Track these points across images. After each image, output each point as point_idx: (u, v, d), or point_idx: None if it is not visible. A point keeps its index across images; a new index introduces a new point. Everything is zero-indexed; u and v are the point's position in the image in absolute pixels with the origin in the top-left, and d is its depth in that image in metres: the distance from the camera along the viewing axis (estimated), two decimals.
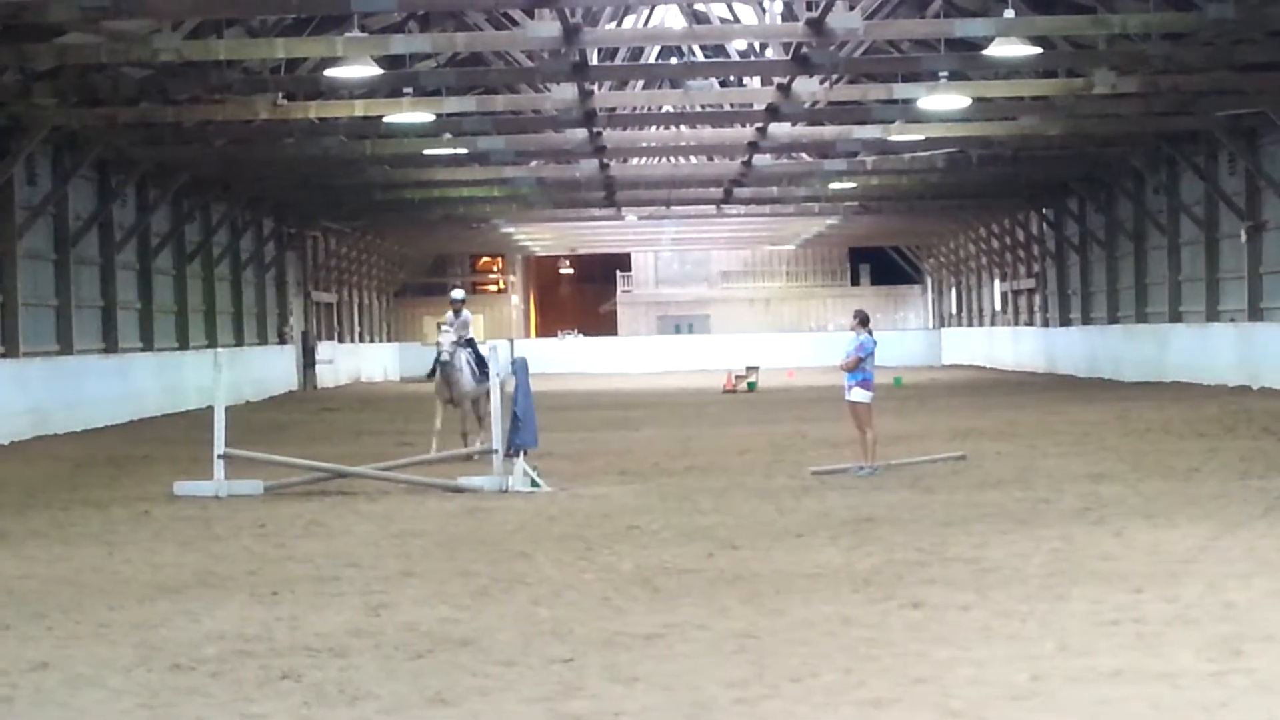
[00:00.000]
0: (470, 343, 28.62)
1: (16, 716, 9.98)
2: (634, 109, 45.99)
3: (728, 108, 47.11)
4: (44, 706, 10.19)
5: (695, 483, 23.22)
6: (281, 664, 11.16)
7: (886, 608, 12.89)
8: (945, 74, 39.91)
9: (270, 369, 61.41)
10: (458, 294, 29.63)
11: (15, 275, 38.16)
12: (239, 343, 58.28)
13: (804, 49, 33.87)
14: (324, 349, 70.60)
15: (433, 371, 28.15)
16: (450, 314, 28.46)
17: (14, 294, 38.09)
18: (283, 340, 66.42)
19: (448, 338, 27.55)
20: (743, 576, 14.56)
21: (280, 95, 39.27)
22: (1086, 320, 64.15)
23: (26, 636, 12.42)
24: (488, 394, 25.63)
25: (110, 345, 45.17)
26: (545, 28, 30.88)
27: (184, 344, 51.88)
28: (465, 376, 27.70)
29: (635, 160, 56.26)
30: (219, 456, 22.64)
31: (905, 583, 14.01)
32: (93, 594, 14.36)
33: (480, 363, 27.76)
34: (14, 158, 37.29)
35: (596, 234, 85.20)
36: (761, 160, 52.20)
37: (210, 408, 23.58)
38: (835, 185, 60.00)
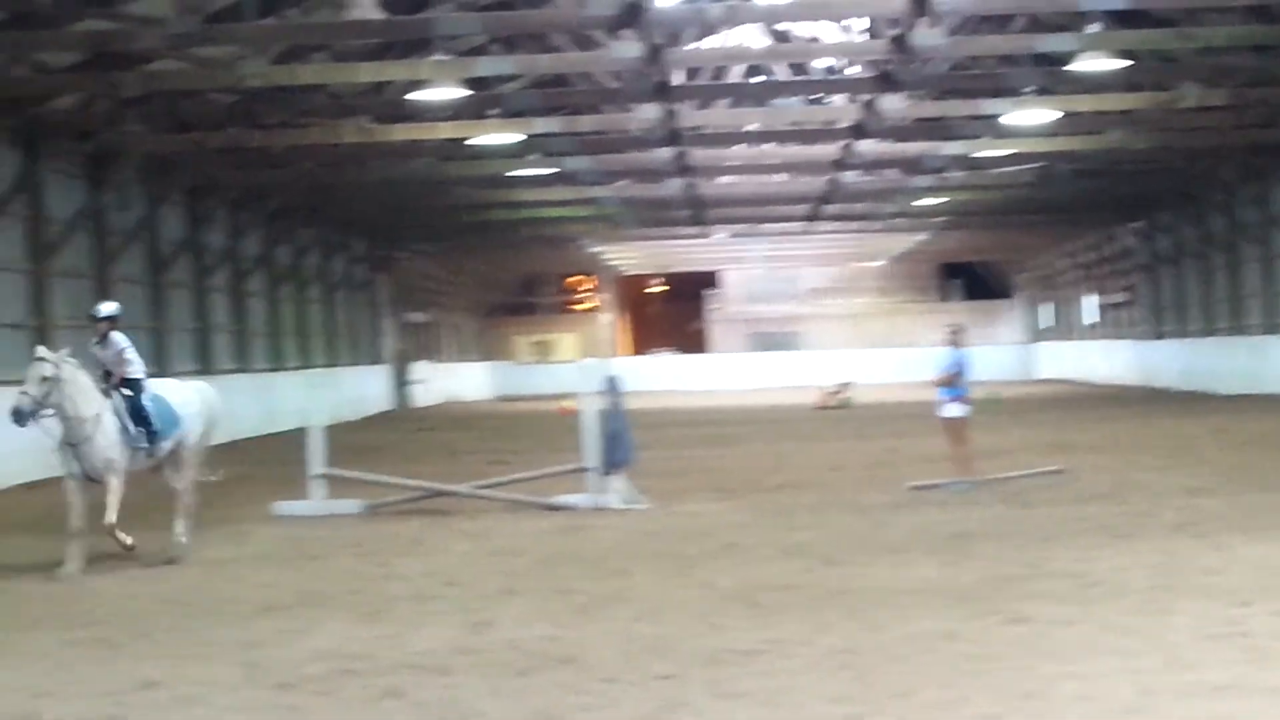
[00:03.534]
0: (127, 384, 18.83)
1: None
2: (719, 128, 45.93)
3: (813, 125, 47.01)
4: None
5: (791, 499, 23.18)
6: (385, 682, 11.21)
7: (989, 623, 12.83)
8: (1031, 89, 39.68)
9: (364, 389, 61.69)
10: (102, 309, 19.66)
11: (111, 300, 38.42)
12: (332, 364, 58.54)
13: (888, 66, 33.78)
14: (417, 369, 70.85)
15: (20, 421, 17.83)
16: (95, 339, 19.30)
17: None
18: (376, 360, 66.63)
19: (34, 384, 17.83)
20: (843, 592, 14.53)
21: (367, 119, 39.47)
22: (1181, 333, 63.61)
23: (134, 655, 12.53)
24: (180, 458, 19.52)
25: (205, 368, 45.47)
26: (628, 48, 30.90)
27: (278, 365, 52.18)
28: (104, 438, 18.13)
29: (722, 178, 56.17)
30: (317, 476, 22.78)
31: (1007, 597, 13.94)
32: (198, 613, 14.49)
33: (137, 414, 18.63)
34: (107, 184, 37.62)
35: (685, 252, 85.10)
36: (849, 177, 52.04)
37: (305, 428, 23.73)
38: (922, 201, 59.75)
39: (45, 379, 17.79)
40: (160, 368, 40.86)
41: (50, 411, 17.89)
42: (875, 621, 13.01)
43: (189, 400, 19.78)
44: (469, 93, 34.63)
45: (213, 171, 43.59)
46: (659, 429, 40.67)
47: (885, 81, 34.91)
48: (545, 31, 37.86)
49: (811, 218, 64.05)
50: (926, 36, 30.25)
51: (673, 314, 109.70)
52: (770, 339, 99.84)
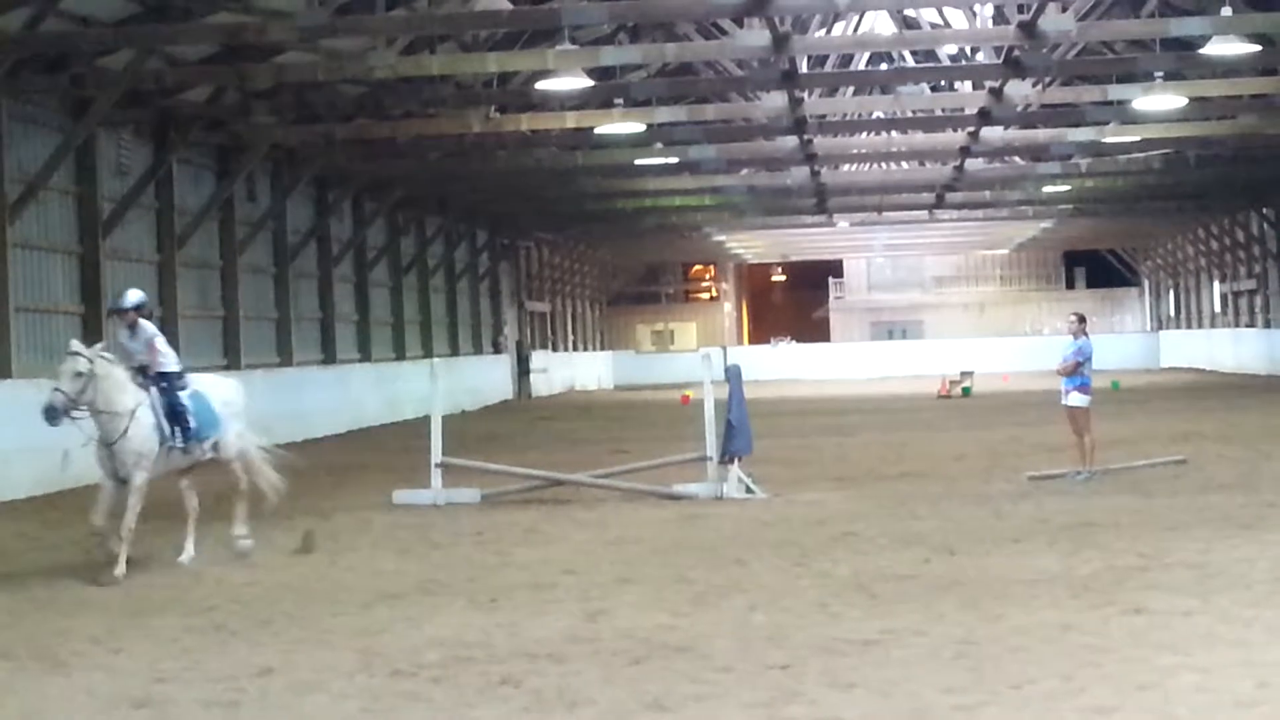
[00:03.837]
0: (163, 378, 17.63)
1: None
2: (844, 116, 45.76)
3: (939, 112, 46.77)
4: (270, 711, 10.38)
5: (911, 488, 23.09)
6: (501, 670, 11.26)
7: (1107, 613, 12.73)
8: (1161, 74, 39.27)
9: (485, 379, 61.94)
10: (128, 298, 17.96)
11: (237, 289, 38.92)
12: (454, 353, 58.83)
13: (1016, 52, 33.51)
14: (538, 358, 71.09)
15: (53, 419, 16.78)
16: (124, 330, 17.93)
17: (236, 307, 38.85)
18: (498, 349, 66.98)
19: (68, 380, 16.70)
20: (960, 582, 14.46)
21: (493, 109, 39.64)
22: None
23: (253, 642, 12.66)
24: (227, 458, 18.59)
25: (329, 357, 45.85)
26: (754, 36, 30.81)
27: (401, 355, 52.54)
28: (139, 435, 17.05)
29: (846, 167, 56.00)
30: (436, 465, 22.91)
31: (1126, 588, 13.83)
32: (316, 601, 14.60)
33: (174, 412, 17.52)
34: (235, 175, 38.01)
35: (808, 240, 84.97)
36: (974, 164, 51.72)
37: (427, 417, 23.87)
38: (1049, 189, 59.31)
39: (79, 375, 16.63)
40: (284, 358, 41.34)
41: (84, 409, 16.77)
42: (992, 612, 12.94)
43: (232, 399, 18.58)
44: (594, 82, 34.71)
45: (339, 162, 43.92)
46: (778, 418, 40.62)
47: (1013, 67, 34.63)
48: (671, 20, 37.81)
49: (936, 206, 63.79)
50: (1055, 21, 29.99)
51: (794, 303, 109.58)
52: (892, 328, 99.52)
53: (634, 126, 40.92)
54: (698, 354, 25.68)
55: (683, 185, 55.20)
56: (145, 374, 17.44)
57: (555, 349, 78.00)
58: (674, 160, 48.44)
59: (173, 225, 35.41)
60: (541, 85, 34.97)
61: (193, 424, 17.61)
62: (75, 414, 16.74)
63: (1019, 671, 10.76)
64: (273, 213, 41.62)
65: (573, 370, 79.59)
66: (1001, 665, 10.98)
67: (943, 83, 43.81)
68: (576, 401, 65.36)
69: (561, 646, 12.04)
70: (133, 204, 33.14)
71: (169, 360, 17.75)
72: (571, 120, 40.04)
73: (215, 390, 18.37)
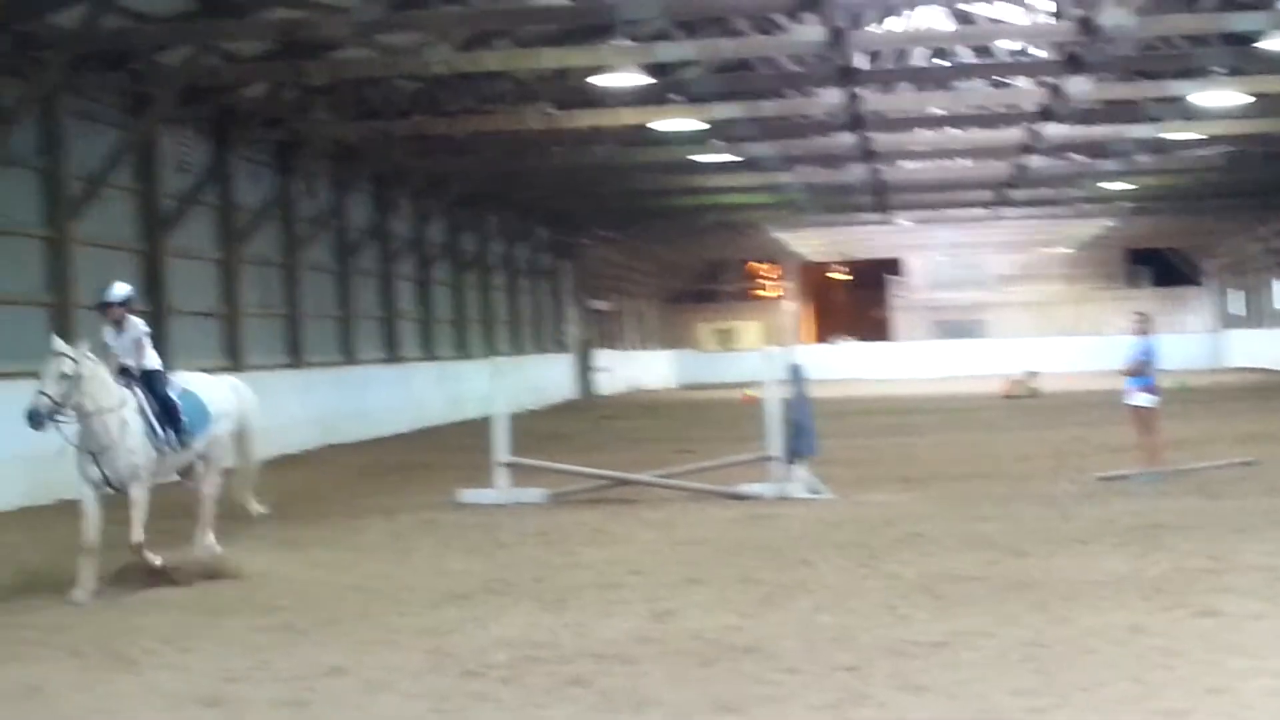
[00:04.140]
0: (147, 377, 16.64)
1: (314, 719, 10.22)
2: (902, 112, 45.63)
3: (998, 109, 46.59)
4: (339, 710, 10.40)
5: (976, 489, 23.02)
6: (569, 670, 11.26)
7: (1177, 616, 12.65)
8: (1222, 70, 39.00)
9: (549, 377, 62.05)
10: (116, 292, 16.89)
11: (299, 287, 39.05)
12: (517, 351, 58.91)
13: (1075, 48, 33.36)
14: (601, 357, 71.12)
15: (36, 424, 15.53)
16: (109, 326, 16.87)
17: (298, 306, 38.98)
18: (560, 348, 67.02)
19: (52, 381, 15.53)
20: (1028, 584, 14.39)
21: (550, 105, 39.66)
22: None
23: (321, 642, 12.69)
24: (208, 460, 17.37)
25: (392, 355, 45.96)
26: (811, 32, 30.75)
27: (463, 353, 52.63)
28: (129, 441, 16.00)
29: (905, 163, 55.86)
30: (502, 465, 22.93)
31: (1196, 590, 13.74)
32: (383, 600, 14.63)
33: (165, 411, 16.51)
34: (295, 172, 38.14)
35: (868, 238, 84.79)
36: (1034, 161, 51.52)
37: (490, 416, 23.89)
38: (1110, 186, 59.01)
39: (64, 376, 15.44)
40: (348, 356, 41.44)
41: (69, 413, 15.57)
42: (1061, 614, 12.88)
43: (221, 397, 17.53)
44: (651, 79, 34.70)
45: (398, 159, 44.03)
46: (842, 418, 40.55)
47: (1072, 63, 34.50)
48: (727, 16, 37.80)
49: (996, 203, 63.56)
50: (1114, 16, 29.83)
51: (855, 301, 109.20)
52: (954, 326, 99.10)
53: (691, 123, 40.89)
54: (760, 353, 25.63)
55: (741, 182, 55.10)
56: (128, 374, 16.33)
57: (617, 348, 78.02)
58: (732, 157, 48.39)
59: (234, 223, 35.55)
60: (598, 81, 34.99)
61: (184, 421, 16.57)
62: (60, 418, 15.53)
63: (1089, 674, 10.70)
64: (333, 210, 41.73)
65: (635, 369, 79.61)
66: (1071, 668, 10.92)
67: (1001, 79, 43.64)
68: (640, 400, 65.38)
69: (629, 647, 12.04)
70: (194, 201, 33.29)
71: (154, 358, 16.75)
72: (629, 117, 40.03)
73: (206, 389, 17.34)
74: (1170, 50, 39.71)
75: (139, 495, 15.84)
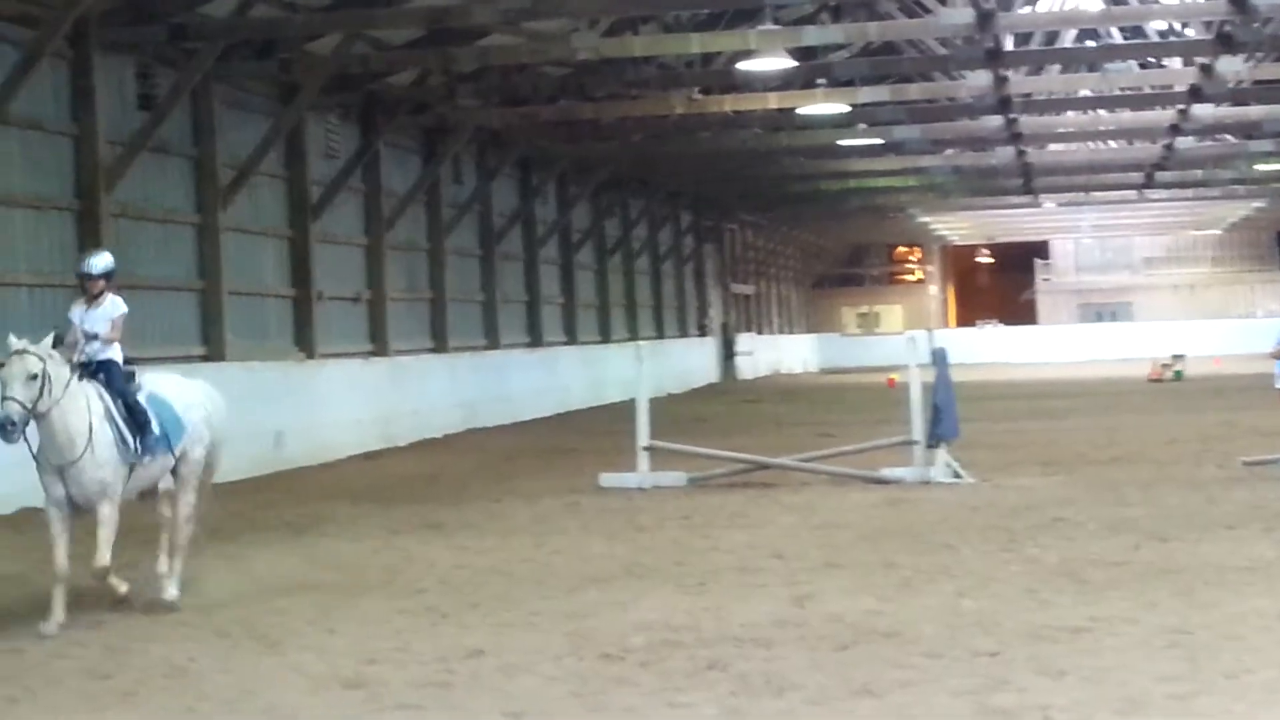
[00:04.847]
0: (104, 370, 14.16)
1: (454, 701, 10.28)
2: (1050, 94, 45.23)
3: (1148, 90, 46.07)
4: (480, 692, 10.46)
5: (1120, 474, 22.81)
6: (708, 654, 11.26)
7: None
8: None
9: (690, 361, 62.09)
10: (96, 263, 14.47)
11: (444, 272, 39.30)
12: (659, 335, 59.01)
13: (1227, 27, 32.92)
14: (743, 341, 71.09)
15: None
16: (81, 302, 14.42)
17: (443, 290, 39.23)
18: (703, 332, 67.10)
19: (20, 384, 13.18)
20: (1172, 569, 14.25)
21: (695, 90, 39.66)
22: None
23: (462, 624, 12.78)
24: (181, 478, 14.78)
25: (535, 339, 46.17)
26: (959, 14, 30.60)
27: (606, 337, 52.78)
28: (101, 456, 13.63)
29: (1053, 146, 55.37)
30: (643, 449, 22.98)
31: None
32: (524, 584, 14.71)
33: (132, 413, 14.00)
34: (440, 158, 38.39)
35: (1014, 222, 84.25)
36: (1184, 143, 50.93)
37: (632, 400, 23.95)
38: (1261, 167, 58.18)
39: (33, 377, 13.19)
40: (491, 340, 41.69)
41: (39, 420, 13.35)
42: (1206, 599, 12.74)
43: (194, 402, 14.97)
44: (796, 63, 34.62)
45: (543, 144, 44.20)
46: (985, 401, 40.29)
47: (1224, 43, 34.05)
48: None
49: (1145, 185, 62.86)
50: None
51: (1000, 285, 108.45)
52: (1101, 310, 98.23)
53: (837, 107, 40.76)
54: (903, 337, 25.50)
55: (886, 166, 54.91)
56: (88, 369, 13.96)
57: (760, 332, 77.94)
58: (877, 141, 48.23)
59: (380, 208, 35.84)
60: (744, 66, 34.93)
61: (156, 431, 14.17)
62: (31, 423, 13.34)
63: (1234, 661, 10.56)
64: (478, 195, 41.95)
65: (778, 353, 79.52)
66: (1216, 654, 10.78)
67: (1151, 60, 43.14)
68: (781, 384, 65.30)
69: (768, 631, 12.03)
70: (341, 187, 33.59)
71: (118, 350, 14.36)
72: (774, 101, 39.94)
73: (175, 393, 14.77)
74: None
75: (108, 513, 13.61)
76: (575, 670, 10.96)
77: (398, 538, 18.10)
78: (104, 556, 13.47)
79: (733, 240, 73.84)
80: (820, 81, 39.37)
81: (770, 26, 31.99)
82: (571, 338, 49.56)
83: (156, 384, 14.68)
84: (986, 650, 11.12)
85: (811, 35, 33.78)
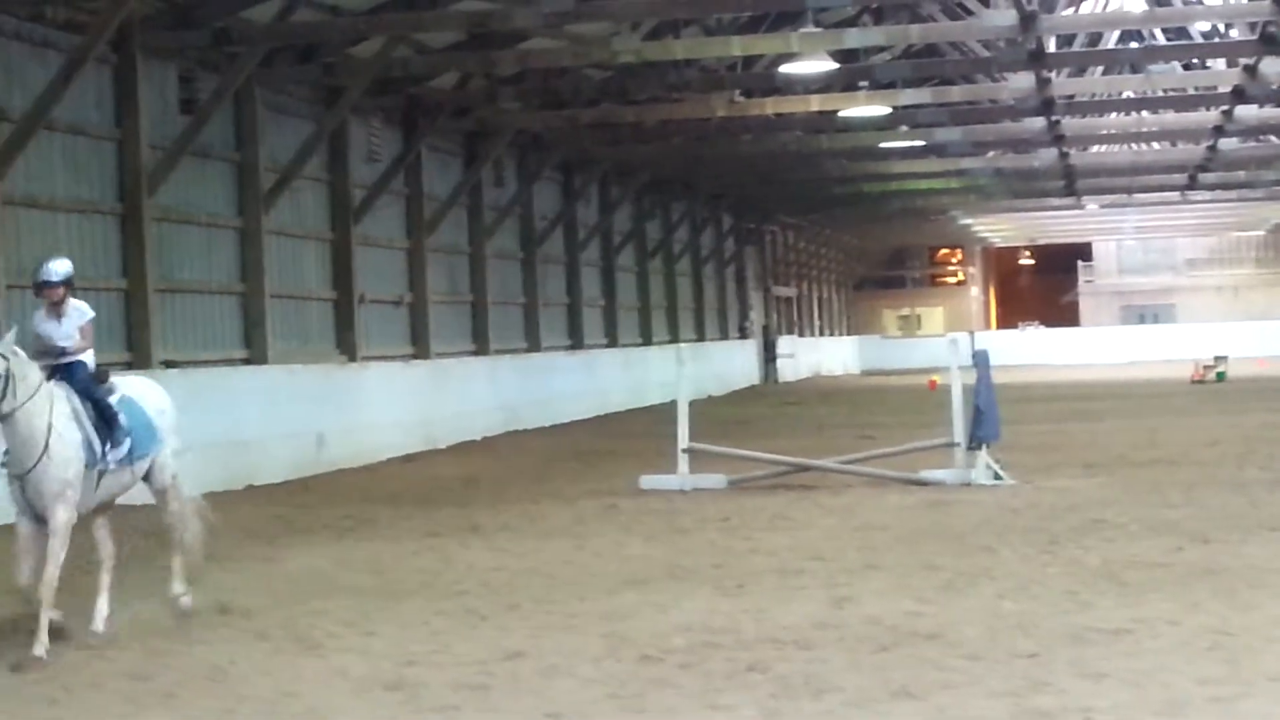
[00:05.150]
0: (71, 372, 13.20)
1: (493, 703, 10.28)
2: (1093, 96, 45.14)
3: (1191, 91, 45.93)
4: (519, 694, 10.46)
5: (1162, 475, 22.74)
6: (748, 656, 11.25)
7: None
8: None
9: (731, 364, 62.07)
10: (56, 269, 13.45)
11: (485, 275, 39.36)
12: (700, 338, 59.01)
13: (1271, 27, 32.80)
14: (784, 343, 71.05)
15: None
16: (42, 310, 13.53)
17: (484, 293, 39.29)
18: (744, 334, 67.09)
19: None
20: (1214, 571, 14.19)
21: (737, 92, 39.66)
22: None
23: (501, 626, 12.79)
24: (161, 489, 13.94)
25: (576, 342, 46.21)
26: (1001, 16, 30.53)
27: (647, 339, 52.80)
28: (61, 456, 12.53)
29: (1095, 148, 55.25)
30: (683, 451, 22.98)
31: None
32: (563, 586, 14.71)
33: (105, 420, 13.00)
34: (482, 161, 38.43)
35: (1056, 223, 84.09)
36: (1227, 144, 50.76)
37: (673, 402, 23.95)
38: None
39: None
40: (532, 343, 41.74)
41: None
42: (1249, 602, 12.68)
43: (165, 407, 14.02)
44: (838, 65, 34.60)
45: (584, 147, 44.25)
46: (1027, 404, 40.20)
47: (1268, 43, 33.93)
48: (915, 1, 37.63)
49: (1188, 187, 62.67)
50: None
51: (1042, 286, 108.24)
52: (1143, 312, 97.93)
53: (878, 109, 40.74)
54: (945, 339, 25.45)
55: (928, 168, 54.84)
56: (55, 370, 13.05)
57: (801, 334, 77.91)
58: (919, 143, 48.19)
59: (422, 211, 35.90)
60: (785, 68, 34.92)
61: (128, 438, 13.18)
62: None
63: (1277, 663, 10.51)
64: (519, 198, 42.01)
65: (819, 355, 79.49)
66: (1259, 657, 10.73)
67: (1195, 60, 43.00)
68: (822, 387, 65.22)
69: (808, 633, 12.01)
70: (383, 190, 33.66)
71: (90, 354, 13.49)
72: (815, 103, 39.95)
73: (148, 397, 13.87)
74: None
75: (62, 520, 12.45)
76: (614, 672, 10.95)
77: (437, 540, 18.12)
78: (51, 569, 12.27)
79: (774, 242, 73.81)
80: (862, 84, 39.36)
81: (812, 29, 32.03)
82: (612, 340, 49.59)
83: (129, 387, 13.80)
84: (1027, 652, 11.08)
85: (853, 38, 33.77)
